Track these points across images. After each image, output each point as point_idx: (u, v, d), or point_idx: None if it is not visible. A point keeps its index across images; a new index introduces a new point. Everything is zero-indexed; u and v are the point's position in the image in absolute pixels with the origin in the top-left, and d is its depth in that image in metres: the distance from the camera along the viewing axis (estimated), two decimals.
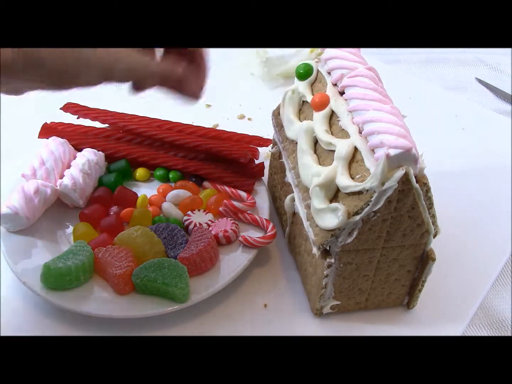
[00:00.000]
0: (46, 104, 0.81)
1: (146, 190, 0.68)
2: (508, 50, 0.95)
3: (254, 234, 0.60)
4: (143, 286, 0.55)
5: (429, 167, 0.48)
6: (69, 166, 0.65)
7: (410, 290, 0.56)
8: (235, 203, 0.62)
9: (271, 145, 0.65)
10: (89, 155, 0.66)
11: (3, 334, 0.53)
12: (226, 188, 0.66)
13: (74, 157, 0.67)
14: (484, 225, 0.67)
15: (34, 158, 0.64)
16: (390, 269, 0.53)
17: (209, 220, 0.62)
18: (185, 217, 0.62)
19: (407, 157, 0.45)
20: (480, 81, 0.92)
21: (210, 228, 0.61)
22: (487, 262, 0.63)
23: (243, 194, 0.64)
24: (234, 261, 0.58)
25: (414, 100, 0.83)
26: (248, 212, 0.63)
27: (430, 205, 0.48)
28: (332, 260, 0.50)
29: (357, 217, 0.46)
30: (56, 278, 0.54)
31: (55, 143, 0.66)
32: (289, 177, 0.57)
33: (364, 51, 0.56)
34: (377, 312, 0.57)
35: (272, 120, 0.62)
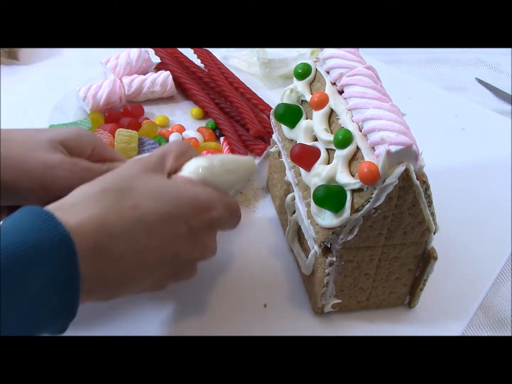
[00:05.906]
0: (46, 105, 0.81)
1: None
2: (508, 50, 0.96)
3: None
4: None
5: (429, 167, 0.48)
6: (144, 73, 0.80)
7: (411, 289, 0.56)
8: None
9: (271, 145, 0.65)
10: (161, 78, 0.77)
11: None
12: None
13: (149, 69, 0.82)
14: (484, 225, 0.67)
15: (120, 53, 0.80)
16: (391, 268, 0.53)
17: None
18: None
19: (408, 153, 0.45)
20: (480, 81, 0.92)
21: None
22: (487, 262, 0.63)
23: None
24: None
25: (414, 100, 0.83)
26: None
27: (429, 203, 0.48)
28: (334, 259, 0.50)
29: (358, 214, 0.46)
30: None
31: (135, 50, 0.79)
32: (289, 176, 0.57)
33: (364, 51, 0.56)
34: (378, 311, 0.57)
35: (272, 120, 0.62)
